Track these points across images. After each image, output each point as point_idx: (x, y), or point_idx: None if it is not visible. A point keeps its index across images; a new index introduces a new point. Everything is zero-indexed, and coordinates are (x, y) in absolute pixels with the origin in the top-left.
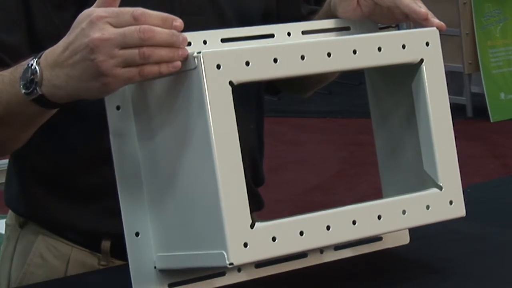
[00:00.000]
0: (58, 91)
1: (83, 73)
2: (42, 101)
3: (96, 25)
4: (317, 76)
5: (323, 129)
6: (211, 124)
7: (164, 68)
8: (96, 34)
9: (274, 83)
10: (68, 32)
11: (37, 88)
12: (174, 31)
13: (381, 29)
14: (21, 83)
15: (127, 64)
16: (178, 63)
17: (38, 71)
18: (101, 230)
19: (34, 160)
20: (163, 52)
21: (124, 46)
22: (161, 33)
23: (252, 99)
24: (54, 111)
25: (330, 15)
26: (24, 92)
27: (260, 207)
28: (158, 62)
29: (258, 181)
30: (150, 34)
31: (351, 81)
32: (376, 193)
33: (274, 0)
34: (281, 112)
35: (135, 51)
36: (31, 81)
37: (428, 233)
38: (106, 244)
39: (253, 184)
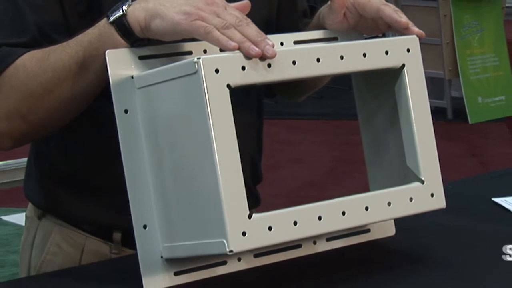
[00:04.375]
0: (139, 11)
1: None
2: (121, 22)
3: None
4: (309, 82)
5: (316, 130)
6: (211, 123)
7: (246, 44)
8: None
9: (271, 88)
10: None
11: (123, 7)
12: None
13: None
14: (108, 14)
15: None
16: (258, 50)
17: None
18: (112, 223)
19: (54, 159)
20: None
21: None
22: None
23: (252, 104)
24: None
25: (319, 27)
26: (108, 15)
27: (257, 205)
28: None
29: (256, 179)
30: (245, 21)
31: (342, 86)
32: (365, 189)
33: (274, 12)
34: (277, 114)
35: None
36: (117, 8)
37: (412, 226)
38: (117, 236)
39: (252, 181)
